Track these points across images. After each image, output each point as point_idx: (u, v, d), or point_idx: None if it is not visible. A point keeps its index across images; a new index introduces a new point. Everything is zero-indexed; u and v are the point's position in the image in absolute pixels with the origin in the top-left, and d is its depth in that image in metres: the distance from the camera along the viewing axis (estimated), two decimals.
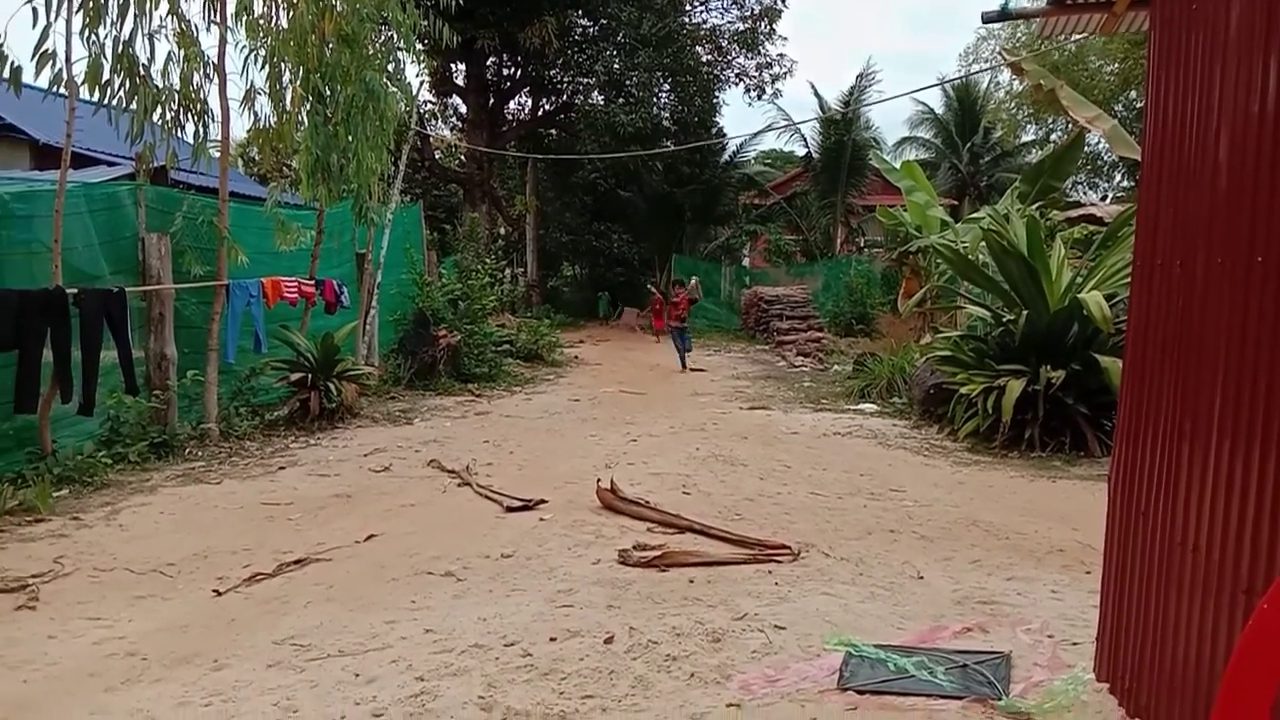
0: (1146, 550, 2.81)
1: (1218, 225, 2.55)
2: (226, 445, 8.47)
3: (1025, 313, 9.22)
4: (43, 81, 6.82)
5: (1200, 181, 2.67)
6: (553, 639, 3.86)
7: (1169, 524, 2.65)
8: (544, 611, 4.22)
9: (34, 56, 6.62)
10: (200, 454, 8.08)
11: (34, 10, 6.48)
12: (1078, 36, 4.81)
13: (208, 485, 7.05)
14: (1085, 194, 38.25)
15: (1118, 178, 38.93)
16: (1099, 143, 27.25)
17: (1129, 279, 3.26)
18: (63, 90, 6.90)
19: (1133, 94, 33.57)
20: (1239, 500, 2.31)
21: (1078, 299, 8.82)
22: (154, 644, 3.88)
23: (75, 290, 6.99)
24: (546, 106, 31.58)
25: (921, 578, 4.82)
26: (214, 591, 4.56)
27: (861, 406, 11.81)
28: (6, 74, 6.45)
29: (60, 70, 6.80)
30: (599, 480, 6.47)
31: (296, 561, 5.05)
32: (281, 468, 7.74)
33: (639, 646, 3.78)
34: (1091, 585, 3.97)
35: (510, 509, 6.25)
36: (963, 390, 9.16)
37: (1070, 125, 16.88)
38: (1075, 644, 3.79)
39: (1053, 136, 38.48)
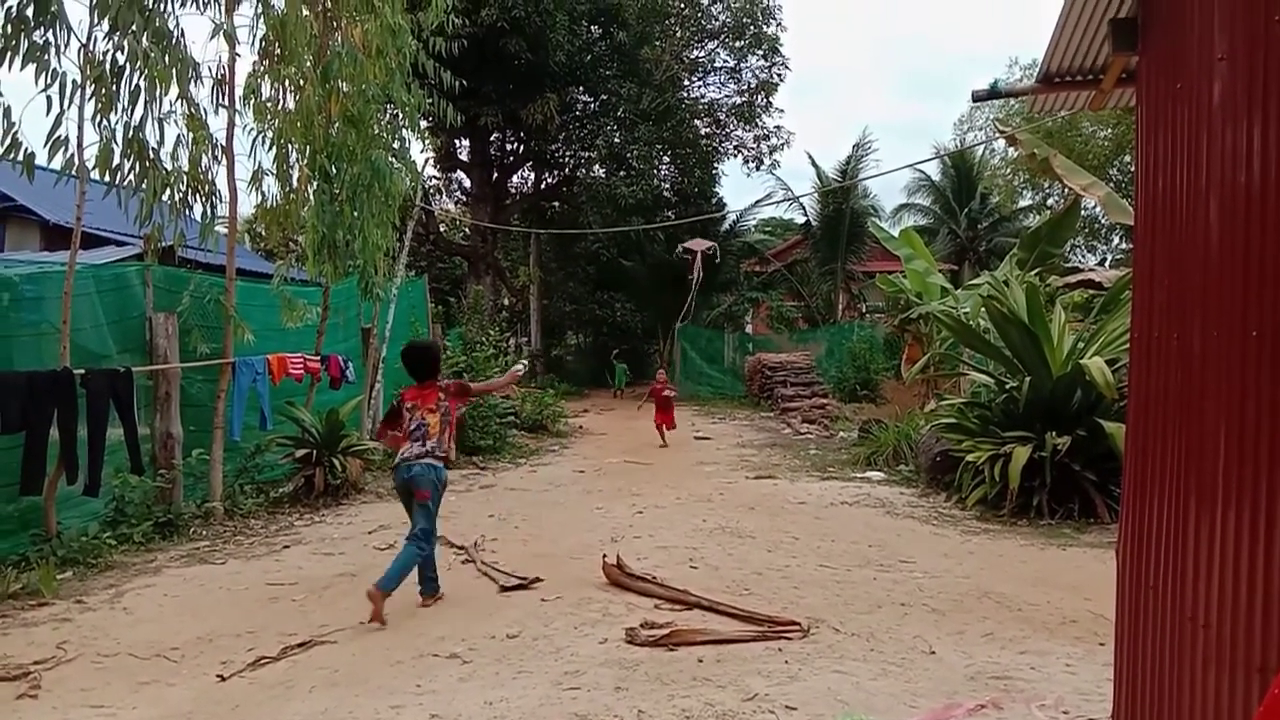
0: (1157, 626, 2.78)
1: (1211, 298, 2.58)
2: (231, 524, 8.44)
3: (1028, 379, 9.24)
4: (55, 165, 6.96)
5: (1192, 255, 2.70)
6: None
7: (1178, 600, 2.63)
8: (551, 694, 4.17)
9: (47, 143, 6.76)
10: (205, 533, 8.05)
11: (48, 99, 6.65)
12: (1067, 112, 4.91)
13: (212, 565, 7.01)
14: (1084, 257, 38.68)
15: (1116, 240, 39.37)
16: (1096, 207, 27.58)
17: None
18: (74, 174, 7.03)
19: (1127, 158, 34.12)
20: (1248, 577, 2.30)
21: (1080, 365, 8.84)
22: None
23: (82, 371, 7.04)
24: (549, 180, 32.16)
25: (933, 653, 4.75)
26: (218, 676, 4.51)
27: (868, 475, 11.76)
28: (20, 159, 6.59)
29: (72, 155, 6.94)
30: (605, 555, 6.43)
31: (301, 644, 4.99)
32: (286, 546, 7.70)
33: None
34: (1106, 658, 3.92)
35: (505, 588, 6.19)
36: (969, 458, 9.13)
37: (1066, 191, 17.12)
38: None
39: (1049, 201, 39.03)
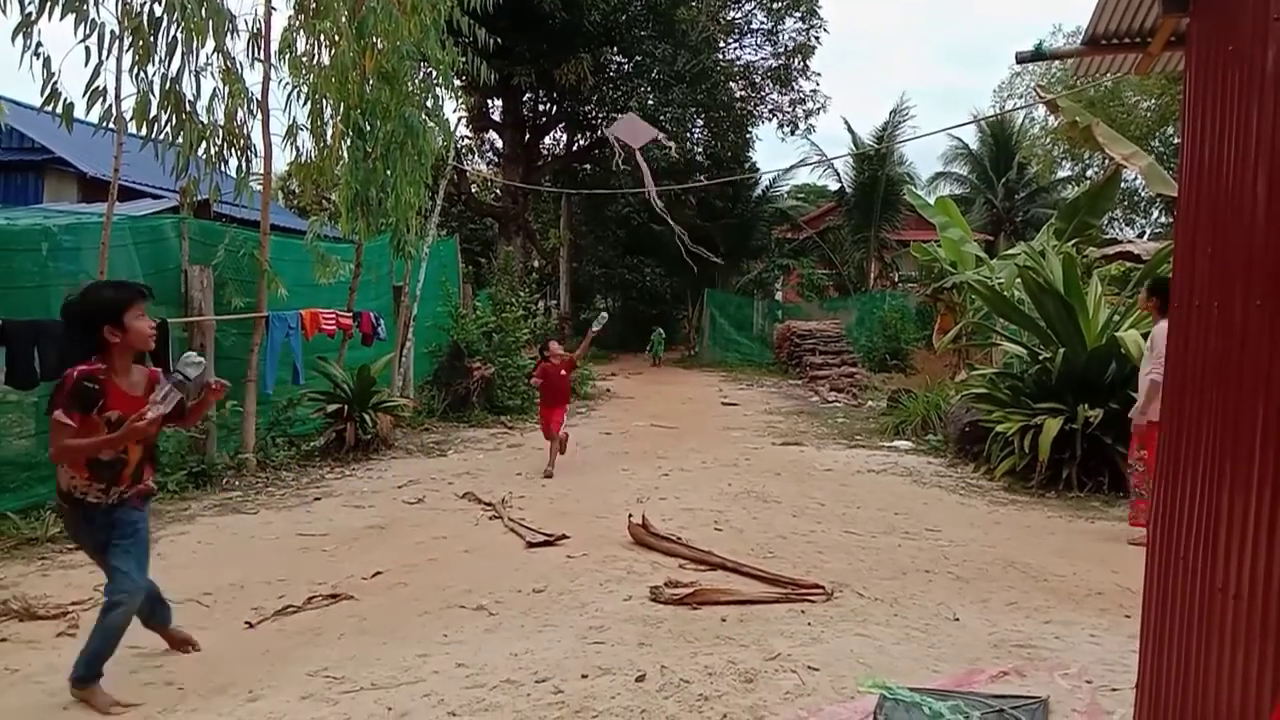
0: (1186, 596, 2.76)
1: (1256, 267, 2.53)
2: (263, 475, 8.57)
3: (1062, 350, 9.14)
4: (93, 117, 7.02)
5: (1237, 223, 2.65)
6: (584, 676, 3.86)
7: (1209, 569, 2.61)
8: (576, 648, 4.22)
9: (85, 93, 6.83)
10: (237, 484, 8.18)
11: (86, 49, 6.70)
12: (1113, 76, 4.80)
13: (244, 515, 7.13)
14: (1122, 230, 37.97)
15: (1155, 214, 38.63)
16: (1136, 179, 27.08)
17: None
18: (112, 125, 7.09)
19: (1169, 130, 33.35)
20: None
21: (1115, 337, 8.73)
22: (190, 673, 3.92)
23: None
24: (581, 141, 31.93)
25: (957, 619, 4.76)
26: (246, 623, 4.60)
27: (896, 444, 11.71)
28: (59, 110, 6.66)
29: (110, 106, 7.01)
30: (630, 515, 6.47)
31: (330, 595, 5.08)
32: (317, 498, 7.82)
33: (670, 685, 3.76)
34: (1131, 629, 3.90)
35: (531, 544, 6.26)
36: (999, 428, 9.07)
37: (1106, 162, 16.79)
38: (1115, 690, 3.73)
39: (1089, 172, 38.30)
